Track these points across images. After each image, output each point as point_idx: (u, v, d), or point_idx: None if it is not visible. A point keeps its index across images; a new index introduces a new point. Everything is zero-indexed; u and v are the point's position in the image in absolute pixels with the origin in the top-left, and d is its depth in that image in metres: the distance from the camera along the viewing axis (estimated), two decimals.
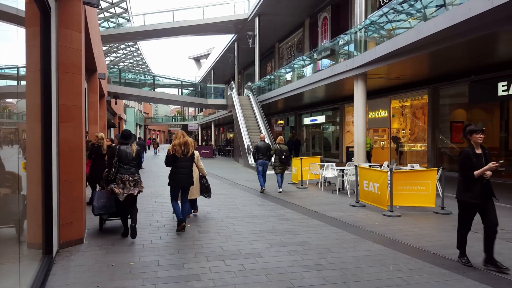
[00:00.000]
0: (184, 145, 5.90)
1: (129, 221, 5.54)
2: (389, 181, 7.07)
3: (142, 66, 48.32)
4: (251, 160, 17.36)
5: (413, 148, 15.80)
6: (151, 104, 74.61)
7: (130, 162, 5.53)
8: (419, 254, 4.73)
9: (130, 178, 5.45)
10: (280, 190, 10.16)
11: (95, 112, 13.31)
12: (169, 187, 6.04)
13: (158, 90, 28.07)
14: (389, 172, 7.09)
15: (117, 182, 5.39)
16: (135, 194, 5.48)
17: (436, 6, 9.81)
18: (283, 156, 9.94)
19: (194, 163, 6.35)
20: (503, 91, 10.65)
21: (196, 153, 6.65)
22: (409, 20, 11.12)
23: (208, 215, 7.16)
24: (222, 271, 4.15)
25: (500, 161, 4.64)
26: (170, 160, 5.90)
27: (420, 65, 11.79)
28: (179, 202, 6.09)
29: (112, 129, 30.88)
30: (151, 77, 29.76)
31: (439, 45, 8.86)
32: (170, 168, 6.01)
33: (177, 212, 5.94)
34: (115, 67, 35.71)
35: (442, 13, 8.62)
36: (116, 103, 25.84)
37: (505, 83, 10.54)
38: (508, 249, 4.89)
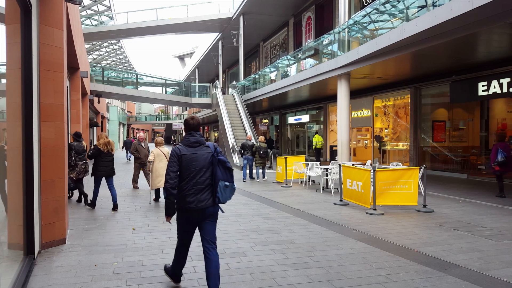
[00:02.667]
0: (107, 144, 7.64)
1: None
2: (372, 180, 7.17)
3: (126, 65, 47.61)
4: (235, 159, 17.35)
5: (396, 147, 16.10)
6: (135, 102, 73.67)
7: (82, 153, 8.21)
8: (401, 252, 4.82)
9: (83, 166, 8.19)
10: (258, 180, 12.34)
11: (77, 110, 13.06)
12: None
13: (141, 88, 27.72)
14: (372, 171, 7.19)
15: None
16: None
17: (418, 7, 10.00)
18: (261, 152, 12.11)
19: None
20: (483, 91, 10.96)
21: (157, 150, 8.03)
22: (392, 20, 11.31)
23: None
24: None
25: None
26: (95, 154, 7.54)
27: (403, 65, 12.01)
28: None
29: (95, 128, 30.35)
30: (134, 76, 29.33)
31: (421, 45, 9.04)
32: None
33: (95, 195, 7.71)
34: (98, 65, 35.07)
35: (424, 13, 8.79)
36: (99, 102, 25.38)
37: (485, 83, 10.85)
38: (488, 246, 5.03)
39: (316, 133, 20.37)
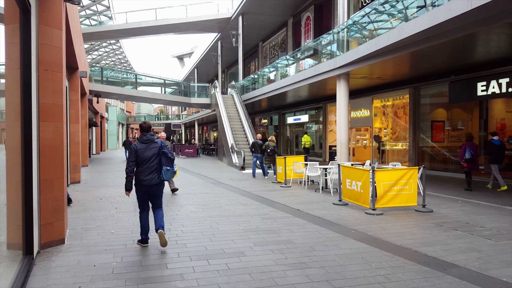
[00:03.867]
0: None
1: None
2: (371, 180, 7.18)
3: (125, 65, 47.59)
4: (235, 159, 17.35)
5: (395, 147, 16.11)
6: (134, 102, 73.63)
7: None
8: (400, 252, 4.82)
9: None
10: (266, 177, 13.16)
11: (76, 110, 13.05)
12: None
13: (140, 88, 27.70)
14: (371, 171, 7.20)
15: None
16: None
17: (417, 7, 10.01)
18: (269, 150, 12.78)
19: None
20: (482, 91, 10.97)
21: None
22: (391, 20, 11.32)
23: (192, 215, 7.12)
24: (206, 270, 4.14)
25: None
26: None
27: (402, 65, 12.02)
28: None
29: (94, 128, 30.34)
30: (133, 76, 29.32)
31: (420, 45, 9.05)
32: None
33: None
34: (97, 65, 35.05)
35: (423, 13, 8.80)
36: (97, 102, 25.37)
37: (484, 83, 10.86)
38: (487, 246, 5.04)
39: (305, 133, 20.56)
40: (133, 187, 5.02)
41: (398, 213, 7.17)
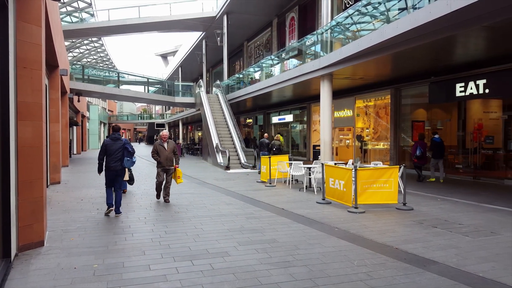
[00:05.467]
0: None
1: None
2: (353, 179, 7.28)
3: (107, 63, 46.75)
4: (220, 158, 17.30)
5: (376, 147, 16.37)
6: (116, 101, 72.49)
7: None
8: (382, 249, 4.91)
9: None
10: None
11: (57, 109, 12.75)
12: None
13: (123, 87, 27.24)
14: (353, 170, 7.30)
15: None
16: None
17: (399, 9, 10.19)
18: (274, 149, 13.69)
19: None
20: (460, 91, 11.26)
21: None
22: (374, 22, 11.49)
23: (176, 215, 7.07)
24: (190, 271, 4.12)
25: None
26: None
27: (384, 66, 12.22)
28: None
29: (74, 127, 29.70)
30: (116, 74, 28.81)
31: (401, 47, 9.22)
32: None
33: None
34: (78, 63, 34.28)
35: (404, 16, 8.97)
36: (79, 101, 24.86)
37: (462, 84, 11.15)
38: (465, 242, 5.18)
39: (279, 133, 20.86)
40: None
41: (379, 211, 7.30)
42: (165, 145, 8.36)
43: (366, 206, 7.47)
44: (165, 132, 8.54)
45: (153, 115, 72.78)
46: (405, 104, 14.79)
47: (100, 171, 7.07)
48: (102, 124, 52.09)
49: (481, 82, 10.61)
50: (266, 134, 16.02)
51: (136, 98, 28.73)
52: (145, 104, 76.18)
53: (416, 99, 14.64)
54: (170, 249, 4.90)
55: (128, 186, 10.27)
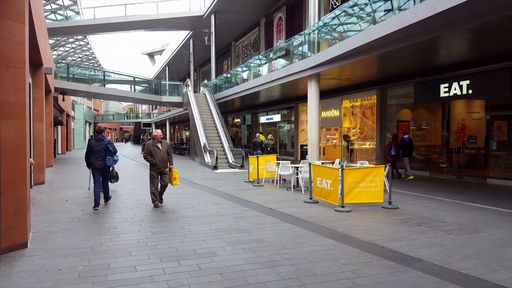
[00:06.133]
0: None
1: None
2: (340, 178, 7.34)
3: (92, 61, 46.09)
4: (207, 158, 17.23)
5: (363, 146, 16.56)
6: (102, 100, 71.46)
7: None
8: (368, 248, 4.97)
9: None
10: None
11: (41, 108, 12.51)
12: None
13: (109, 86, 26.86)
14: (340, 169, 7.37)
15: None
16: None
17: (385, 10, 10.32)
18: (269, 148, 14.37)
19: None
20: (444, 92, 11.47)
21: None
22: (360, 23, 11.61)
23: (163, 216, 7.02)
24: (177, 271, 4.10)
25: None
26: None
27: (370, 66, 12.36)
28: None
29: (59, 126, 29.17)
30: (101, 73, 28.39)
31: (387, 47, 9.34)
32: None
33: None
34: (63, 61, 33.71)
35: (390, 17, 9.09)
36: (63, 100, 24.40)
37: (446, 85, 11.37)
38: (449, 240, 5.28)
39: (260, 133, 21.07)
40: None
41: (365, 210, 7.38)
42: (159, 145, 7.82)
43: (352, 205, 7.54)
44: (159, 131, 8.05)
45: (140, 115, 72.02)
46: (391, 104, 14.99)
47: (88, 167, 7.92)
48: (88, 124, 51.34)
49: (464, 83, 10.84)
50: (258, 134, 16.60)
51: (122, 97, 28.40)
52: (132, 104, 75.36)
53: (401, 100, 14.86)
54: (157, 250, 4.87)
55: (114, 186, 10.16)
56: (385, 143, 14.89)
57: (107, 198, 8.21)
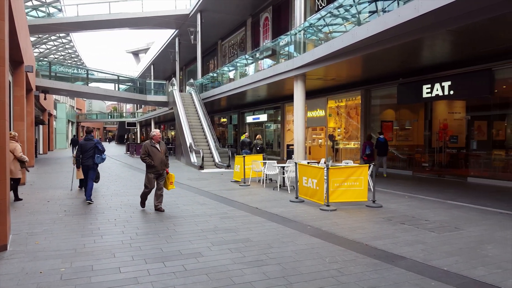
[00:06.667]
0: None
1: None
2: (325, 177, 7.41)
3: (75, 59, 45.21)
4: (193, 158, 17.13)
5: (348, 146, 16.74)
6: (85, 99, 70.20)
7: None
8: (352, 246, 5.03)
9: None
10: None
11: (21, 107, 12.21)
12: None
13: (92, 85, 26.39)
14: (325, 169, 7.43)
15: None
16: None
17: (370, 12, 10.45)
18: (258, 148, 14.30)
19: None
20: (427, 93, 11.71)
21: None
22: (345, 24, 11.73)
23: (147, 216, 6.94)
24: (162, 272, 4.06)
25: None
26: None
27: (355, 67, 12.50)
28: None
29: (41, 126, 28.53)
30: (85, 71, 27.88)
31: (372, 49, 9.47)
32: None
33: None
34: (45, 59, 32.96)
35: (374, 18, 9.21)
36: (45, 98, 23.91)
37: (429, 85, 11.60)
38: (431, 238, 5.39)
39: (244, 133, 21.29)
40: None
41: (350, 208, 7.47)
42: (158, 146, 7.34)
43: (337, 204, 7.62)
44: (157, 131, 7.53)
45: (124, 114, 71.06)
46: (375, 105, 15.20)
47: (78, 166, 8.51)
48: (70, 123, 50.37)
49: (446, 84, 11.08)
50: (246, 134, 16.95)
51: (106, 96, 27.93)
52: (116, 103, 74.35)
53: (385, 100, 15.08)
54: (142, 251, 4.81)
55: (97, 186, 10.00)
56: None
57: (88, 197, 8.30)
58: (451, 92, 10.97)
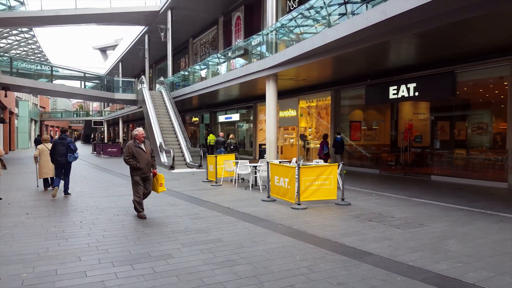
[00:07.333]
0: None
1: None
2: (297, 176, 7.49)
3: (39, 55, 43.21)
4: (164, 158, 16.84)
5: (318, 145, 16.99)
6: (49, 97, 67.32)
7: None
8: (322, 243, 5.12)
9: None
10: None
11: None
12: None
13: (57, 82, 25.33)
14: (297, 168, 7.51)
15: None
16: None
17: (339, 14, 10.66)
18: (232, 147, 15.09)
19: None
20: (393, 94, 12.11)
21: None
22: (316, 26, 11.91)
23: (115, 218, 6.75)
24: (130, 275, 3.96)
25: None
26: None
27: (325, 68, 12.73)
28: None
29: (1, 124, 27.08)
30: (49, 68, 26.69)
31: (342, 50, 9.67)
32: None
33: None
34: (6, 55, 31.30)
35: (344, 20, 9.41)
36: (6, 96, 22.69)
37: (395, 87, 12.00)
38: (397, 234, 5.57)
39: (211, 132, 21.41)
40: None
41: (320, 206, 7.59)
42: (143, 146, 6.75)
43: (308, 203, 7.72)
44: (140, 130, 6.83)
45: (91, 112, 68.77)
46: (344, 105, 15.55)
47: (53, 162, 9.09)
48: (33, 122, 48.19)
49: (411, 86, 11.50)
50: (221, 133, 17.67)
51: (72, 93, 26.92)
52: (82, 101, 71.80)
53: (354, 101, 15.46)
54: (109, 254, 4.67)
55: (62, 187, 9.61)
56: None
57: (66, 190, 9.10)
58: (416, 94, 11.40)
